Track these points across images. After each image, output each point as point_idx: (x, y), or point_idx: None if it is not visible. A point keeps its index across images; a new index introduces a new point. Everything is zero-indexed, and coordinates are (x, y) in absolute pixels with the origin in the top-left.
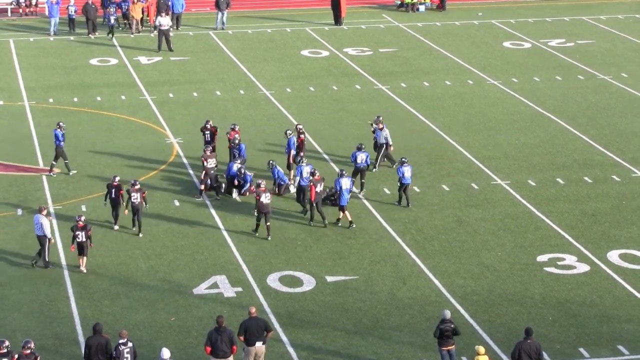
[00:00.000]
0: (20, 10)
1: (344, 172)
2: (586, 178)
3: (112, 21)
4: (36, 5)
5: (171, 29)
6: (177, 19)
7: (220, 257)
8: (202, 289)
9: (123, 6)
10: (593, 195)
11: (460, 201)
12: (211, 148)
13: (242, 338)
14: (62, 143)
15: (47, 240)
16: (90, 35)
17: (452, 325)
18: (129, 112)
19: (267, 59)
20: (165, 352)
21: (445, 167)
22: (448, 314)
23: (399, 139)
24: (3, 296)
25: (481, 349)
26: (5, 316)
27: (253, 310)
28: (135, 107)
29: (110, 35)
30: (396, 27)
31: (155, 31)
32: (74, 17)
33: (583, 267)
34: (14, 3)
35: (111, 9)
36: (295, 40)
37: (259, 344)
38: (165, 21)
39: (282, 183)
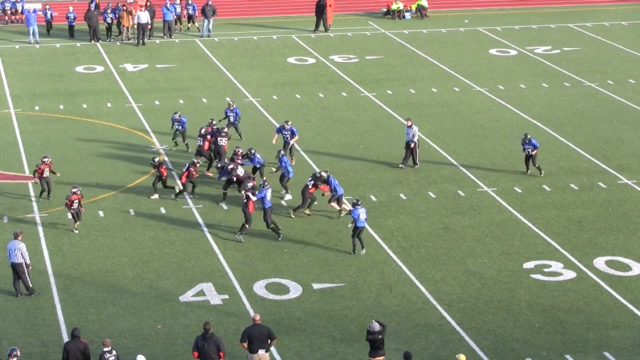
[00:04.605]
0: (6, 18)
1: (358, 201)
2: (572, 185)
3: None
4: (22, 12)
5: (149, 25)
6: (168, 27)
7: (206, 264)
8: (188, 296)
9: (106, 17)
10: (579, 202)
11: (447, 208)
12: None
13: (245, 345)
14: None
15: (27, 267)
16: (92, 41)
17: (381, 337)
18: (115, 119)
19: (253, 66)
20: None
21: (432, 174)
22: (377, 326)
23: (385, 146)
24: None
25: (462, 357)
26: None
27: (257, 317)
28: (121, 114)
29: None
30: (382, 34)
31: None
32: (73, 24)
33: (569, 274)
34: None
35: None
36: (281, 47)
37: (261, 352)
38: (144, 16)
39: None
